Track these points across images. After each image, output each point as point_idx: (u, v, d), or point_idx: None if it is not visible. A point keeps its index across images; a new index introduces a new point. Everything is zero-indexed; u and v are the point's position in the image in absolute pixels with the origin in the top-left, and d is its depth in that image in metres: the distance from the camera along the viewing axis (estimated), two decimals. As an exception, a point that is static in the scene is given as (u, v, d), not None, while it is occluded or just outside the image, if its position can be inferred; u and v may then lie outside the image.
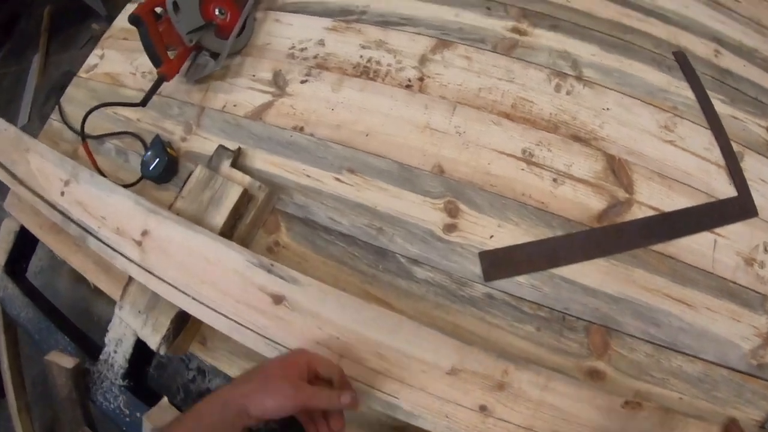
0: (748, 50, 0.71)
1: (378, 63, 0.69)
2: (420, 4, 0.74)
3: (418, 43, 0.70)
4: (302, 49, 0.74)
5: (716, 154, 0.62)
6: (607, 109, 0.63)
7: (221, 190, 0.60)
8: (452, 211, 0.57)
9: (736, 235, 0.60)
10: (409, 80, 0.66)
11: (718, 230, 0.59)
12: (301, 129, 0.66)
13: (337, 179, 0.61)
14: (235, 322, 0.51)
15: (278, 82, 0.72)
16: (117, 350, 0.61)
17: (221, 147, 0.66)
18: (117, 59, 0.84)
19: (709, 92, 0.66)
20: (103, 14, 1.71)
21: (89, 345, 0.67)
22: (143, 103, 0.69)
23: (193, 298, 0.53)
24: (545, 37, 0.68)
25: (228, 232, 0.59)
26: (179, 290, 0.54)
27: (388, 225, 0.58)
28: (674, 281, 0.57)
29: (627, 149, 0.61)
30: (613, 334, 0.55)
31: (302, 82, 0.70)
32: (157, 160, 0.69)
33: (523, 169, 0.59)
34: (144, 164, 0.69)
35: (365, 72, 0.69)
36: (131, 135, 0.76)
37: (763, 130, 0.66)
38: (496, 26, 0.70)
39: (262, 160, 0.66)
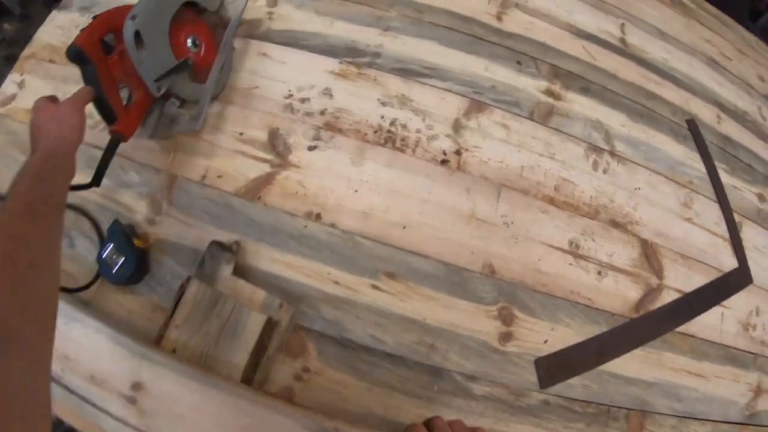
0: (742, 113, 0.75)
1: (405, 127, 0.58)
2: (443, 49, 0.63)
3: (449, 103, 0.60)
4: (303, 100, 0.59)
5: (723, 227, 0.67)
6: (639, 188, 0.62)
7: (235, 319, 0.47)
8: (507, 319, 0.53)
9: (737, 304, 0.66)
10: (445, 153, 0.57)
11: (725, 303, 0.65)
12: (318, 216, 0.54)
13: (375, 287, 0.52)
14: None
15: (277, 147, 0.57)
16: None
17: (215, 245, 0.51)
18: (43, 89, 0.59)
19: (715, 162, 0.69)
20: (17, 12, 1.38)
21: None
22: (96, 181, 0.50)
23: None
24: (578, 103, 0.64)
25: (251, 372, 0.47)
26: None
27: (440, 340, 0.52)
28: (693, 358, 0.62)
29: (656, 231, 0.62)
30: (647, 416, 0.59)
31: (310, 148, 0.57)
32: (122, 259, 0.51)
33: (571, 264, 0.56)
34: (104, 264, 0.51)
35: (390, 139, 0.58)
36: (75, 210, 0.56)
37: (755, 197, 0.72)
38: (530, 87, 0.63)
39: (269, 260, 0.53)
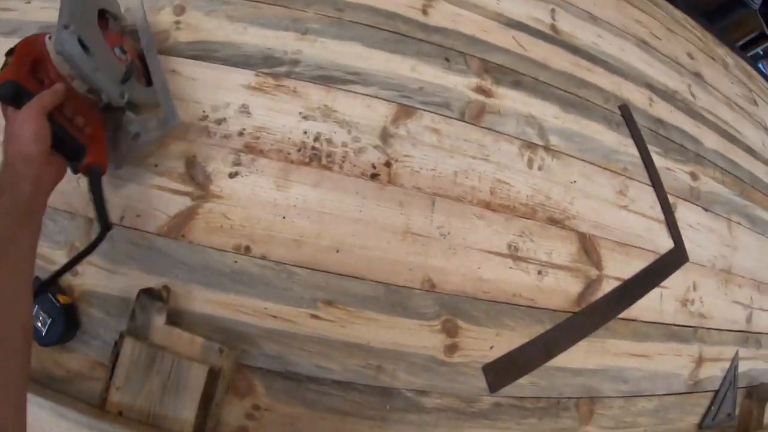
0: (672, 93, 0.76)
1: (330, 142, 0.55)
2: (366, 51, 0.59)
3: (375, 110, 0.57)
4: (219, 121, 0.55)
5: (657, 210, 0.68)
6: (574, 182, 0.62)
7: (176, 375, 0.45)
8: (451, 331, 0.53)
9: (674, 282, 0.69)
10: (374, 166, 0.55)
11: (663, 283, 0.67)
12: (247, 249, 0.51)
13: (314, 316, 0.50)
14: None
15: (196, 177, 0.53)
16: None
17: (144, 294, 0.48)
18: None
19: (648, 146, 0.70)
20: None
21: None
22: (105, 224, 0.47)
23: None
24: (510, 98, 0.62)
25: (202, 423, 0.45)
26: None
27: (386, 361, 0.51)
28: (635, 340, 0.64)
29: (594, 223, 0.62)
30: (596, 402, 0.61)
31: (231, 175, 0.53)
32: (50, 320, 0.48)
33: (511, 267, 0.56)
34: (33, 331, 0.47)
35: (315, 156, 0.54)
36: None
37: (688, 176, 0.74)
38: (459, 85, 0.60)
39: (203, 301, 0.50)
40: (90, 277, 0.51)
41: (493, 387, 0.54)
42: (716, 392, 0.76)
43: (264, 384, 0.49)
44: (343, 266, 0.52)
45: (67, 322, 0.49)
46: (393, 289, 0.52)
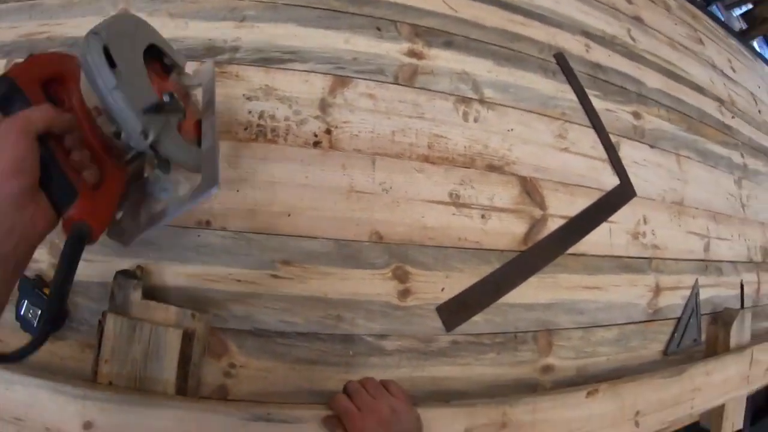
0: (610, 38, 0.79)
1: (273, 118, 0.59)
2: (302, 30, 0.63)
3: (313, 84, 0.61)
4: (170, 112, 0.59)
5: (600, 150, 0.72)
6: (511, 130, 0.66)
7: (155, 341, 0.49)
8: (402, 277, 0.57)
9: (623, 217, 0.72)
10: (316, 135, 0.59)
11: (611, 218, 0.71)
12: (208, 224, 0.56)
13: (274, 276, 0.55)
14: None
15: (154, 164, 0.57)
16: None
17: (120, 275, 0.53)
18: None
19: (586, 90, 0.73)
20: None
21: None
22: (55, 316, 0.35)
23: None
24: (442, 58, 0.66)
25: (183, 382, 0.50)
26: None
27: (345, 310, 0.55)
28: (587, 273, 0.68)
29: (534, 167, 0.66)
30: (553, 334, 0.65)
31: (186, 159, 0.58)
32: (39, 312, 0.53)
33: (454, 214, 0.60)
34: (24, 321, 0.53)
35: (261, 133, 0.59)
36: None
37: (630, 116, 0.77)
38: (392, 51, 0.64)
39: (174, 275, 0.54)
40: None
41: (449, 326, 0.58)
42: (678, 319, 0.80)
43: (236, 343, 0.54)
44: (295, 228, 0.56)
45: (56, 314, 0.54)
46: (343, 243, 0.56)
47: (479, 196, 0.62)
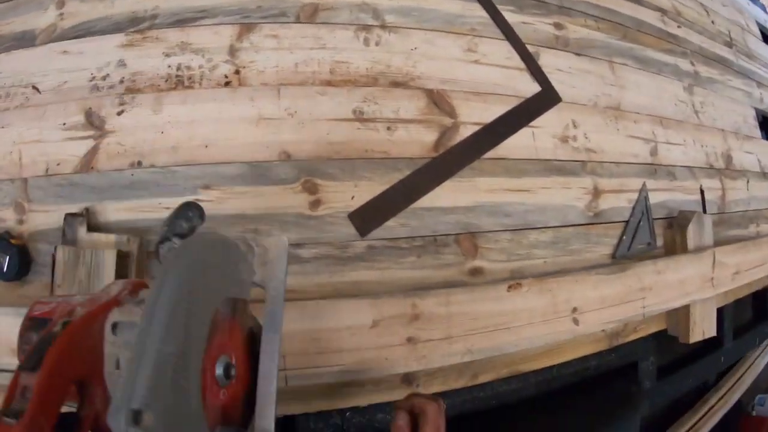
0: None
1: (189, 68, 0.66)
2: (210, -8, 0.71)
3: (222, 35, 0.68)
4: (104, 77, 0.68)
5: (516, 60, 0.73)
6: (415, 48, 0.69)
7: (95, 261, 0.57)
8: (311, 189, 0.62)
9: (548, 121, 0.73)
10: (226, 77, 0.66)
11: (533, 123, 0.72)
12: (139, 164, 0.63)
13: (197, 200, 0.61)
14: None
15: (94, 122, 0.66)
16: None
17: (68, 216, 0.61)
18: None
19: (499, 6, 0.75)
20: None
21: None
22: None
23: None
24: (341, -7, 0.71)
25: None
26: None
27: (261, 224, 0.61)
28: (510, 176, 0.69)
29: (441, 80, 0.69)
30: (477, 236, 0.67)
31: (119, 114, 0.66)
32: (7, 258, 0.62)
33: (359, 129, 0.64)
34: None
35: (179, 82, 0.66)
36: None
37: (551, 27, 0.78)
38: (292, -5, 0.70)
39: (114, 211, 0.62)
40: (33, 222, 0.65)
41: (362, 231, 0.62)
42: (627, 223, 0.78)
43: (169, 263, 0.61)
44: (212, 157, 0.62)
45: (21, 259, 0.62)
46: (255, 165, 0.62)
47: (383, 110, 0.65)
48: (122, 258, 0.58)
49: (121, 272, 0.58)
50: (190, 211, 0.39)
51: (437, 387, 0.63)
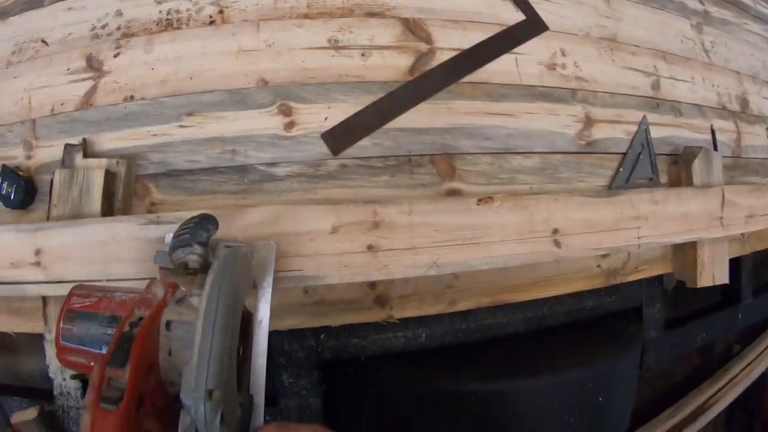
0: None
1: (178, 11, 0.71)
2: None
3: (209, -20, 0.72)
4: (104, 26, 0.73)
5: (497, -12, 0.72)
6: (391, -20, 0.70)
7: (86, 181, 0.62)
8: (286, 111, 0.63)
9: (533, 49, 0.71)
10: (211, 17, 0.69)
11: (516, 50, 0.70)
12: (132, 98, 0.68)
13: (181, 126, 0.65)
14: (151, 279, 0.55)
15: (93, 65, 0.71)
16: (65, 377, 0.62)
17: (67, 145, 0.67)
18: None
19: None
20: None
21: (40, 394, 0.67)
22: None
23: (107, 280, 0.56)
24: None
25: (108, 213, 0.61)
26: (93, 281, 0.56)
27: (238, 145, 0.63)
28: (490, 100, 0.68)
29: (418, 8, 0.69)
30: (455, 158, 0.65)
31: (115, 56, 0.71)
32: (14, 186, 0.68)
33: (333, 56, 0.65)
34: (3, 197, 0.68)
35: (169, 24, 0.70)
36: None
37: None
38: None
39: (109, 141, 0.67)
40: (39, 156, 0.71)
41: (335, 150, 0.62)
42: (624, 155, 0.74)
43: (154, 184, 0.64)
44: (196, 87, 0.66)
45: (27, 189, 0.68)
46: (234, 92, 0.65)
47: (358, 39, 0.66)
48: (110, 178, 0.62)
49: (108, 190, 0.62)
50: (210, 223, 0.46)
51: (412, 311, 0.62)
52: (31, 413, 0.63)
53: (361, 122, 0.63)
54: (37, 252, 0.59)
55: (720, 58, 0.92)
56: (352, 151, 0.62)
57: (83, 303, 0.42)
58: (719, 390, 0.92)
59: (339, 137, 0.62)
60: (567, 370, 0.62)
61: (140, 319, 0.37)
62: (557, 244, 0.62)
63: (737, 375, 0.94)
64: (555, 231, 0.62)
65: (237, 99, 0.64)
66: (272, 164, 0.62)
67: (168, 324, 0.39)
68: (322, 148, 0.62)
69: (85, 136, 0.68)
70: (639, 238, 0.67)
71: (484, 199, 0.59)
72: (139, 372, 0.34)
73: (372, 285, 0.61)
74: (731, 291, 0.91)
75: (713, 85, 0.88)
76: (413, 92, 0.65)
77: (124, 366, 0.33)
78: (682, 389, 0.93)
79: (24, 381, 0.85)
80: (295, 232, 0.54)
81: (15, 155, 0.72)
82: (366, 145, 0.63)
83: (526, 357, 0.64)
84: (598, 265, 0.71)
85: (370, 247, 0.55)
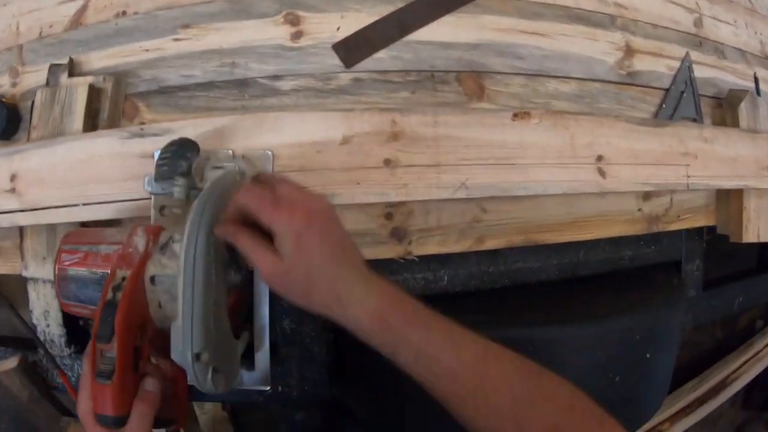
0: None
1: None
2: None
3: None
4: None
5: None
6: None
7: (68, 98, 0.56)
8: (294, 21, 0.56)
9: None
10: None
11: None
12: (124, 13, 0.61)
13: (176, 39, 0.58)
14: (132, 200, 0.49)
15: (86, -15, 0.66)
16: (48, 322, 0.56)
17: (52, 66, 0.60)
18: None
19: None
20: None
21: (24, 344, 0.61)
22: None
23: (84, 204, 0.50)
24: None
25: (91, 130, 0.55)
26: (70, 206, 0.50)
27: (238, 57, 0.56)
28: (523, 17, 0.60)
29: None
30: (483, 76, 0.58)
31: (110, -27, 0.65)
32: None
33: (348, -39, 0.59)
34: None
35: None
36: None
37: None
38: None
39: (98, 59, 0.60)
40: (25, 82, 0.64)
41: (348, 62, 0.55)
42: (667, 90, 0.66)
43: (145, 103, 0.57)
44: (193, -2, 0.59)
45: (11, 116, 0.62)
46: (235, 1, 0.58)
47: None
48: (95, 94, 0.56)
49: (92, 107, 0.55)
50: (188, 150, 0.43)
51: (434, 247, 0.53)
52: (12, 362, 0.56)
53: (378, 33, 0.56)
54: (12, 177, 0.53)
55: (763, 6, 0.84)
56: (367, 63, 0.55)
57: (72, 260, 0.41)
58: (742, 365, 0.84)
59: (353, 48, 0.55)
60: (611, 318, 0.54)
61: (123, 279, 0.36)
62: (602, 173, 0.54)
63: (761, 350, 0.86)
64: (599, 158, 0.54)
65: (238, 8, 0.57)
66: (276, 77, 0.55)
67: (152, 279, 0.37)
68: (334, 60, 0.55)
69: (72, 56, 0.61)
70: (688, 177, 0.58)
71: (521, 114, 0.51)
72: (127, 342, 0.34)
73: (388, 215, 0.53)
74: (765, 257, 0.83)
75: (756, 32, 0.81)
76: (437, 2, 0.58)
77: (110, 341, 0.33)
78: (703, 363, 0.88)
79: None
80: (298, 143, 0.47)
81: (1, 83, 0.66)
82: (383, 58, 0.55)
83: (561, 304, 0.56)
84: (640, 209, 0.62)
85: (387, 162, 0.47)
